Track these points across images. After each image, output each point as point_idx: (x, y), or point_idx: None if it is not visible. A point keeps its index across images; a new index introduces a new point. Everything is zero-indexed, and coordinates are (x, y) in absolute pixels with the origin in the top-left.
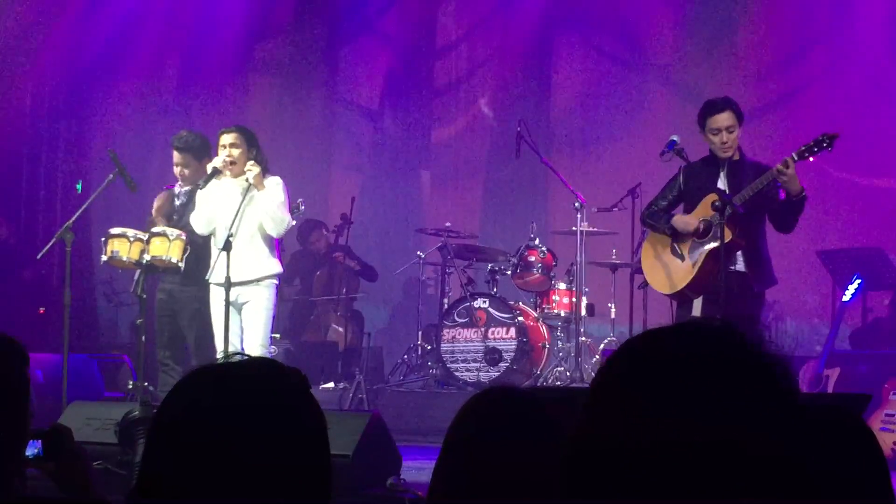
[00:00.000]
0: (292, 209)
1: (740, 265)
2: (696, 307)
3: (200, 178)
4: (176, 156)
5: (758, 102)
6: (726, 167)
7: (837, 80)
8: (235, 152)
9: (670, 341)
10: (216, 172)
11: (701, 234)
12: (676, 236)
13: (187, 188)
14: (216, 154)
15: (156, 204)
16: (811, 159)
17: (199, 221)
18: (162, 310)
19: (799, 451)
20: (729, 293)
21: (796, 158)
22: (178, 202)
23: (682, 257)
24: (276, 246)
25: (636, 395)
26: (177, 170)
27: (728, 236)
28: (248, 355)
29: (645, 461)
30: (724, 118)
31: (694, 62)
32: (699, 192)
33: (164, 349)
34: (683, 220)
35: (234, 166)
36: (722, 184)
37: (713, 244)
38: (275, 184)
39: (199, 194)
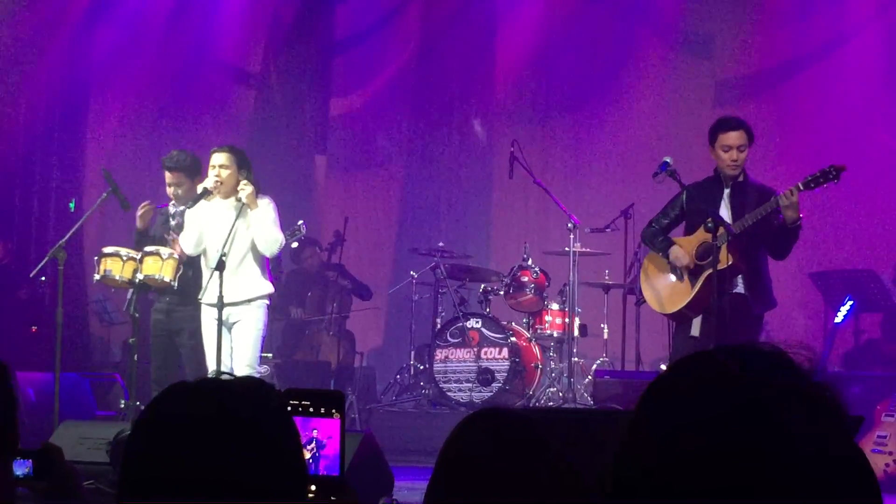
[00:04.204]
0: (294, 230)
1: (740, 287)
2: (695, 327)
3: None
4: (168, 176)
5: (751, 124)
6: (730, 189)
7: (830, 100)
8: (224, 173)
9: (719, 363)
10: (206, 193)
11: (700, 257)
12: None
13: (182, 208)
14: (208, 172)
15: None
16: (815, 190)
17: (189, 242)
18: (158, 329)
19: (852, 475)
20: (728, 315)
21: (801, 188)
22: (173, 222)
23: (680, 277)
24: (267, 266)
25: (681, 415)
26: (170, 190)
27: (728, 260)
28: (234, 375)
29: (691, 482)
30: (736, 136)
31: (687, 84)
32: (701, 214)
33: (159, 369)
34: (678, 255)
35: (223, 186)
36: (725, 205)
37: (712, 269)
38: (266, 203)
39: (188, 214)
